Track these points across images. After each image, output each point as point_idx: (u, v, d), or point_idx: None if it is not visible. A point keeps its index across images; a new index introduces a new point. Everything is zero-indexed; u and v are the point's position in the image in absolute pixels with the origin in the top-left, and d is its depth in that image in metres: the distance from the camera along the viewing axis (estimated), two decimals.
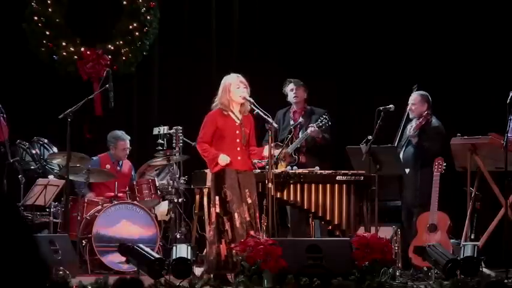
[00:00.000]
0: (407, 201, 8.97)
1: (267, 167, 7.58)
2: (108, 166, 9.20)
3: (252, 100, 7.62)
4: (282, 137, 9.04)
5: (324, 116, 8.94)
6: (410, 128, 8.88)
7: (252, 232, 7.45)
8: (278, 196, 8.10)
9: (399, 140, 8.95)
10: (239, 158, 7.60)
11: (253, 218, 7.56)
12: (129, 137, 9.35)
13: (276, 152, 8.78)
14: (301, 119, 9.14)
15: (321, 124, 8.90)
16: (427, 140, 8.86)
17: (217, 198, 7.57)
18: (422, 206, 8.70)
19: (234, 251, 7.40)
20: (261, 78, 9.44)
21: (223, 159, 7.50)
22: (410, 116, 8.99)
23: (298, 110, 9.24)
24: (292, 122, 9.15)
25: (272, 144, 7.62)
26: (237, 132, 7.64)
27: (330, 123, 8.96)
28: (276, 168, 8.41)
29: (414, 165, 8.84)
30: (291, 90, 9.21)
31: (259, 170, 8.13)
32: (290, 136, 9.01)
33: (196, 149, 7.86)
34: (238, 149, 7.62)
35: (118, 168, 9.31)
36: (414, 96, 9.02)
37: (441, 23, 10.50)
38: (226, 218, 7.53)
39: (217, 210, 7.56)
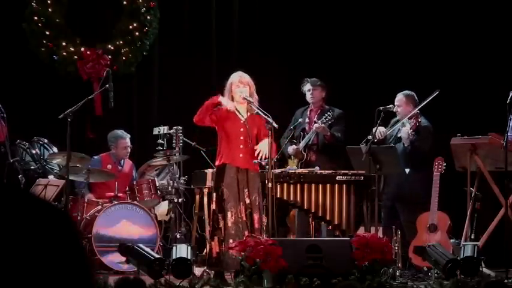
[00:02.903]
0: (389, 199, 8.81)
1: (267, 167, 7.58)
2: (109, 166, 9.18)
3: (251, 100, 7.62)
4: (296, 134, 9.10)
5: (328, 113, 8.93)
6: (406, 130, 8.69)
7: (246, 232, 7.45)
8: (278, 196, 8.10)
9: (384, 140, 8.80)
10: (241, 155, 7.60)
11: (250, 218, 7.55)
12: (129, 135, 9.34)
13: (290, 149, 8.85)
14: (300, 119, 9.15)
15: (325, 121, 8.90)
16: (418, 139, 8.77)
17: (214, 195, 7.60)
18: (421, 204, 8.65)
19: (224, 249, 7.42)
20: (261, 78, 9.44)
21: (225, 101, 7.52)
22: (398, 117, 8.86)
23: (315, 109, 9.24)
24: (307, 121, 9.16)
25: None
26: (242, 130, 7.64)
27: (333, 120, 8.92)
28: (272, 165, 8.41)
29: (405, 165, 8.72)
30: (308, 90, 9.20)
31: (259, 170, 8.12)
32: (290, 136, 9.03)
33: (196, 149, 7.86)
34: (242, 146, 7.62)
35: (119, 167, 9.29)
36: (399, 97, 8.85)
37: (440, 23, 10.50)
38: (220, 216, 7.55)
39: (213, 207, 7.59)
